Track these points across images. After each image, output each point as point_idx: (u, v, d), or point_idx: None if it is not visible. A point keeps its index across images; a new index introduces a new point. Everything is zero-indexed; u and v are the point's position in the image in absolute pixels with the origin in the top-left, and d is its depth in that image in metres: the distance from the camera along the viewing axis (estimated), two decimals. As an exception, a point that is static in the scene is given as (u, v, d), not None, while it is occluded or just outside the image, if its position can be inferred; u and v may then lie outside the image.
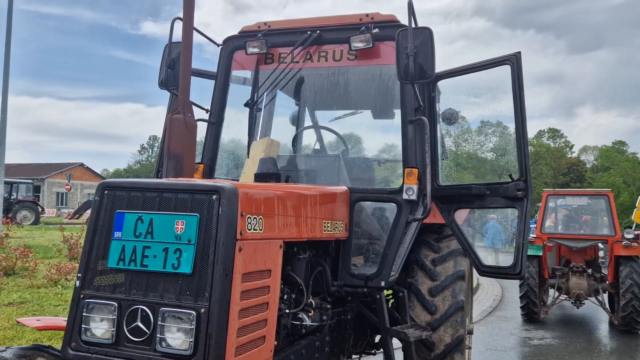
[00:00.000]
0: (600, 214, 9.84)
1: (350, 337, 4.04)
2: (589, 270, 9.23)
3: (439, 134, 4.96)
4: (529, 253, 9.18)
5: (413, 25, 3.29)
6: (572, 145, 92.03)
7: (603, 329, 9.16)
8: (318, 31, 3.89)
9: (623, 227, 9.07)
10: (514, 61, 3.81)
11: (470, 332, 4.71)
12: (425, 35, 3.26)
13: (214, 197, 2.15)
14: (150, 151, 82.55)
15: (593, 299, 9.23)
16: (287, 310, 2.86)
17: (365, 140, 5.09)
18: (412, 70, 3.16)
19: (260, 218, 2.34)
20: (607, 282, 9.13)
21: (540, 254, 9.11)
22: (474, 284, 12.98)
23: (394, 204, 3.66)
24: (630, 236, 8.72)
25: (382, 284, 3.53)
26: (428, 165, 3.54)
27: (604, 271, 9.36)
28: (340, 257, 3.63)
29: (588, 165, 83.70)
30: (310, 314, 3.15)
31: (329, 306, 3.39)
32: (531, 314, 9.21)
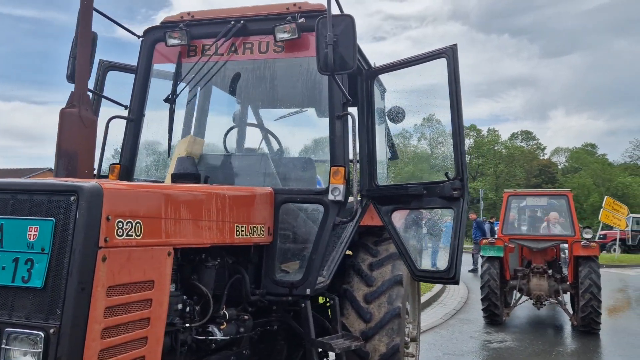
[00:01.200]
0: (561, 214, 9.78)
1: (283, 348, 3.78)
2: (550, 271, 9.15)
3: (378, 132, 4.75)
4: (490, 254, 9.10)
5: (334, 12, 3.05)
6: (545, 147, 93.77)
7: (564, 330, 9.08)
8: (242, 21, 3.63)
9: (582, 227, 9.02)
10: (450, 54, 3.62)
11: (414, 340, 4.49)
12: (346, 24, 3.02)
13: (72, 198, 1.86)
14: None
15: (554, 299, 9.15)
16: (187, 325, 2.59)
17: (306, 139, 4.83)
18: (331, 61, 2.92)
19: (138, 222, 2.06)
20: (568, 282, 9.07)
21: (501, 255, 8.99)
22: (440, 286, 12.85)
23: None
24: (589, 236, 8.66)
25: (308, 291, 3.28)
26: (357, 164, 3.30)
27: (565, 272, 9.30)
28: (263, 263, 3.37)
29: (560, 167, 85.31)
30: (222, 327, 2.88)
31: (246, 317, 3.13)
32: (493, 316, 9.08)
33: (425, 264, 4.20)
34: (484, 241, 9.23)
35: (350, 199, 3.37)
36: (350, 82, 4.08)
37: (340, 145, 3.39)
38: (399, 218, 4.20)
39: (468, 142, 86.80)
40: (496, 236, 9.86)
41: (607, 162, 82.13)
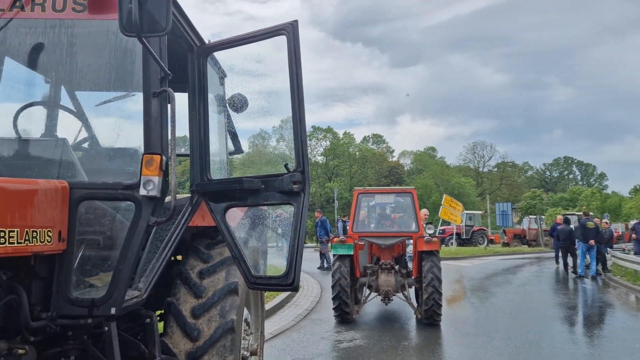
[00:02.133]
0: (407, 211, 10.13)
1: None
2: (397, 267, 9.39)
3: (217, 120, 4.21)
4: (341, 253, 9.04)
5: None
6: (393, 150, 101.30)
7: (409, 323, 9.36)
8: None
9: (425, 223, 9.39)
10: (290, 30, 3.20)
11: (255, 353, 4.02)
12: None
13: None
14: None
15: (401, 294, 9.41)
16: None
17: (125, 127, 4.08)
18: (136, 18, 2.31)
19: None
20: (413, 277, 9.38)
21: (351, 253, 8.99)
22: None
23: (133, 203, 2.76)
24: (431, 231, 9.03)
25: (113, 310, 2.62)
26: (173, 151, 2.72)
27: (411, 266, 9.62)
28: (55, 277, 2.63)
29: (406, 168, 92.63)
30: None
31: (22, 351, 2.37)
32: (344, 315, 9.04)
33: (270, 268, 3.77)
34: (335, 240, 9.16)
35: (168, 197, 2.79)
36: (181, 62, 3.50)
37: (156, 128, 2.78)
38: (235, 217, 3.70)
39: (325, 144, 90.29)
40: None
41: (445, 165, 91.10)
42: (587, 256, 17.25)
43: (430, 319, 8.78)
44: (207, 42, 3.69)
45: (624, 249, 20.25)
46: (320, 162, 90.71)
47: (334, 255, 9.19)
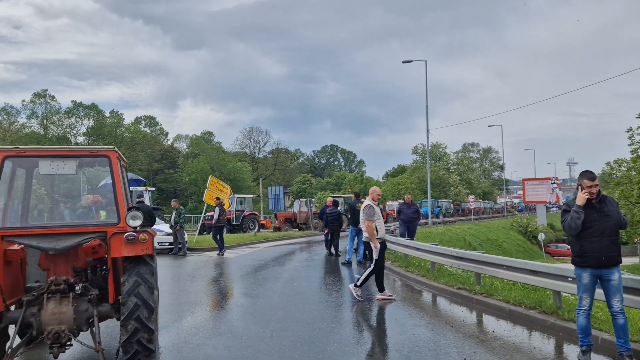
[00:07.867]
0: (102, 188, 6.13)
1: None
2: (78, 287, 5.36)
3: None
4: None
5: None
6: (167, 133, 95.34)
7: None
8: None
9: (128, 209, 5.54)
10: None
11: None
12: None
13: None
14: None
15: (88, 334, 5.43)
16: None
17: None
18: None
19: None
20: (109, 302, 5.48)
21: (-22, 270, 4.67)
22: None
23: None
24: (137, 223, 5.23)
25: None
26: None
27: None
28: None
29: (182, 153, 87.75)
30: None
31: None
32: (-39, 391, 4.70)
33: None
34: (-60, 246, 4.67)
35: None
36: None
37: None
38: None
39: (88, 122, 79.88)
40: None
41: (222, 150, 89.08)
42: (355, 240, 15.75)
43: (134, 374, 5.05)
44: None
45: (393, 231, 19.62)
46: (83, 142, 79.45)
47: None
